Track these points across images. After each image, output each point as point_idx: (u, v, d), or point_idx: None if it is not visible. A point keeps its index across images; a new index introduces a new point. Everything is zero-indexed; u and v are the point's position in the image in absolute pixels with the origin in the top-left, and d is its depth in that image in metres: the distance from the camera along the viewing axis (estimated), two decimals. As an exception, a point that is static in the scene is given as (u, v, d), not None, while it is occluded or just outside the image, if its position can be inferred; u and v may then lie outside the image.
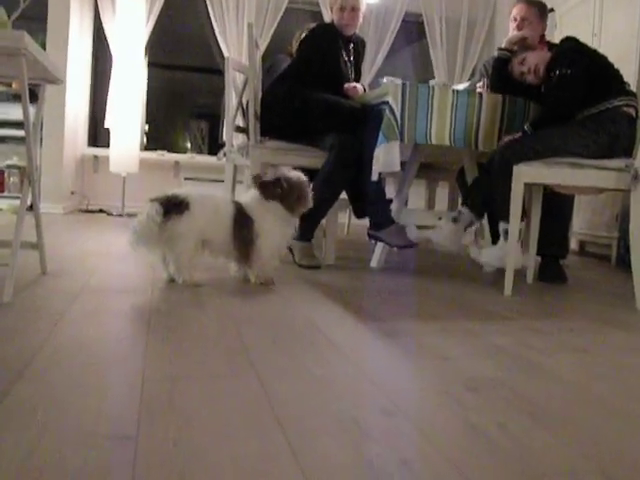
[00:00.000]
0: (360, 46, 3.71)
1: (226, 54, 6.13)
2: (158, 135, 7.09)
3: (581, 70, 2.90)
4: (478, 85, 3.67)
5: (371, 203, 3.19)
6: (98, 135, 6.61)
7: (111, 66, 6.08)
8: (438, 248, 3.09)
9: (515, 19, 3.45)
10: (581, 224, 4.84)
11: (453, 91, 3.05)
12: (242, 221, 2.47)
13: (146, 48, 6.23)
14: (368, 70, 6.45)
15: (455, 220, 3.03)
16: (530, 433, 1.15)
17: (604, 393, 1.44)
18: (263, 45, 6.24)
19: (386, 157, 2.90)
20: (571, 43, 3.03)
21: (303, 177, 2.58)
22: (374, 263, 3.35)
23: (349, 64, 3.56)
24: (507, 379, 1.49)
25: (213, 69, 6.64)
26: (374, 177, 2.99)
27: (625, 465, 1.04)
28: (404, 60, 7.11)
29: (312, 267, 3.11)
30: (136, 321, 1.83)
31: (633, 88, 3.12)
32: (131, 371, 1.35)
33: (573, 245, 4.99)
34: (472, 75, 6.39)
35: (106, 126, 6.08)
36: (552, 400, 1.36)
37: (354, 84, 3.50)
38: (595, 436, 1.16)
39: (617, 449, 1.11)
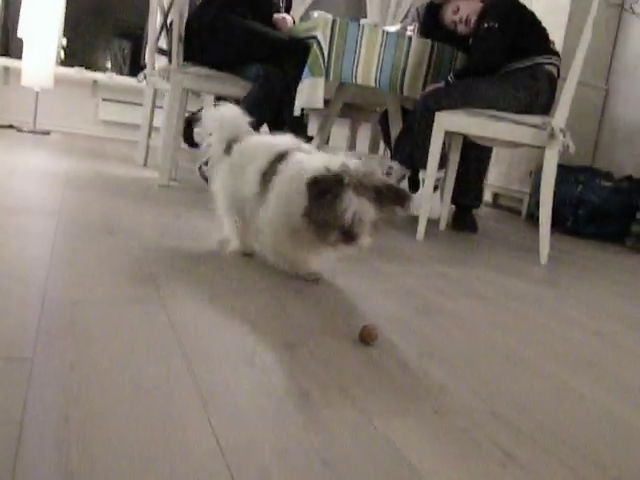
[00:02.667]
0: (293, -24, 3.61)
1: (153, -30, 5.84)
2: (77, 51, 6.73)
3: (508, 25, 2.92)
4: (409, 28, 3.64)
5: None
6: (10, 45, 6.21)
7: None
8: None
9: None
10: (496, 177, 4.96)
11: (383, 32, 3.01)
12: (268, 176, 1.76)
13: (67, -45, 5.86)
14: (300, 3, 6.29)
15: (387, 175, 3.05)
16: (428, 371, 1.19)
17: (500, 338, 1.50)
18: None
19: (310, 92, 2.86)
20: (502, -4, 3.04)
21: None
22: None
23: (280, -7, 3.46)
24: (411, 319, 1.53)
25: (139, -15, 6.33)
26: (296, 112, 2.95)
27: (512, 405, 1.09)
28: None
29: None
30: (40, 243, 1.76)
31: (560, 48, 3.18)
32: (31, 294, 1.30)
33: (487, 197, 5.12)
34: (405, 18, 6.34)
35: (19, 35, 5.72)
36: (451, 342, 1.41)
37: (283, 15, 3.41)
38: (487, 377, 1.21)
39: (506, 390, 1.16)
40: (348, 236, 1.59)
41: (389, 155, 3.83)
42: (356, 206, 1.55)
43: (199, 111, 4.40)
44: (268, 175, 1.74)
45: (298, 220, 1.63)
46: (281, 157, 1.75)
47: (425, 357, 1.27)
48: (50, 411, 0.84)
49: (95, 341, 1.09)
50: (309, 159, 1.68)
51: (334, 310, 1.52)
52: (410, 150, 2.96)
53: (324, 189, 1.54)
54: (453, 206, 3.44)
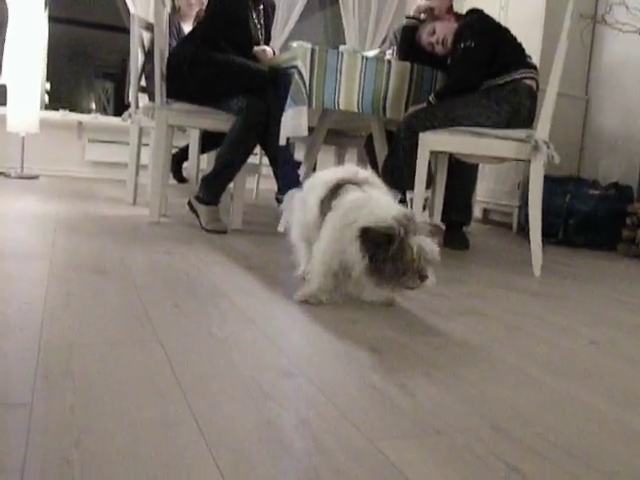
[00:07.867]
0: (270, 8, 3.65)
1: (132, 10, 5.90)
2: (60, 94, 6.78)
3: (484, 43, 2.97)
4: (387, 52, 3.69)
5: (279, 167, 3.18)
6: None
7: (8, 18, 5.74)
8: None
9: (423, -12, 3.47)
10: (484, 192, 4.99)
11: (362, 57, 3.05)
12: (324, 206, 1.85)
13: (46, 1, 5.91)
14: (279, 34, 6.36)
15: None
16: (427, 392, 1.19)
17: (497, 353, 1.50)
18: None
19: (294, 121, 2.88)
20: (476, 16, 3.09)
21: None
22: (281, 228, 3.34)
23: (259, 26, 3.50)
24: (408, 341, 1.53)
25: (119, 27, 6.39)
26: (282, 141, 2.97)
27: (513, 418, 1.09)
28: (316, 25, 7.06)
29: (218, 231, 3.07)
30: (33, 287, 1.76)
31: (537, 61, 3.22)
32: (27, 338, 1.30)
33: (476, 213, 5.13)
34: (383, 43, 6.41)
35: (2, 82, 5.75)
36: (448, 361, 1.41)
37: (263, 47, 3.45)
38: (487, 392, 1.21)
39: (506, 404, 1.16)
40: (420, 278, 1.62)
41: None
42: (425, 246, 1.59)
43: (186, 147, 4.44)
44: (324, 205, 1.82)
45: (351, 267, 1.68)
46: (336, 190, 1.81)
47: (423, 377, 1.27)
48: (51, 456, 0.83)
49: (93, 383, 1.09)
50: (360, 202, 1.71)
51: (330, 335, 1.52)
52: (398, 172, 2.97)
53: (380, 242, 1.58)
54: (444, 225, 3.46)
